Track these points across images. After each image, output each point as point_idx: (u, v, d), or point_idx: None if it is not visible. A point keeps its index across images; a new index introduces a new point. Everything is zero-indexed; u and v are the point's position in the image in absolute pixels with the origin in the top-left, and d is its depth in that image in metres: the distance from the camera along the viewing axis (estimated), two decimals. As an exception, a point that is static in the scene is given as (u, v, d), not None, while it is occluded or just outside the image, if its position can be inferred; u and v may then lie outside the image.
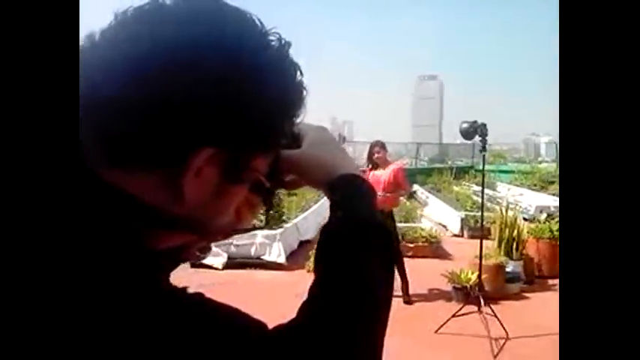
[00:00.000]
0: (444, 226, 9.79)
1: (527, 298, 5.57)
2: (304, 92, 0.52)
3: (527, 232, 6.66)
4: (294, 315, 0.49)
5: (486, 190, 14.09)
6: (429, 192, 14.09)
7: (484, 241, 6.81)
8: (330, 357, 0.47)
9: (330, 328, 0.48)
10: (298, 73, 0.51)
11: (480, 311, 4.29)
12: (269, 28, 0.49)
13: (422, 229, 7.68)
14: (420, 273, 6.06)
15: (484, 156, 4.22)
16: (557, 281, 6.00)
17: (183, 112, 0.44)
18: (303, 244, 7.57)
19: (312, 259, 5.83)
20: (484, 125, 4.17)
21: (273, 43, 0.49)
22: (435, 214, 11.16)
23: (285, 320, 0.49)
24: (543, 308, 5.22)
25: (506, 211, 6.21)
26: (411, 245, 7.42)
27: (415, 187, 15.62)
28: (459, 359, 4.01)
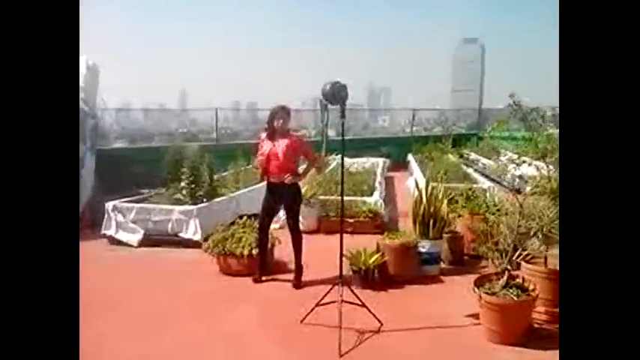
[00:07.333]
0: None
1: (441, 282, 4.99)
2: None
3: (463, 207, 6.02)
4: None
5: (484, 160, 13.29)
6: (420, 162, 13.33)
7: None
8: None
9: None
10: None
11: (341, 300, 3.75)
12: None
13: (363, 203, 7.09)
14: (345, 252, 5.55)
15: (343, 123, 3.61)
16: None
17: None
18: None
19: (213, 236, 5.42)
20: (343, 87, 3.56)
21: None
22: (414, 185, 10.51)
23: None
24: (447, 294, 4.65)
25: (427, 187, 5.56)
26: (351, 220, 6.89)
27: (409, 156, 14.88)
28: (302, 353, 3.54)
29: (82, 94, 6.98)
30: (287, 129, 4.91)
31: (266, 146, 4.88)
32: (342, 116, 3.61)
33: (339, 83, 3.62)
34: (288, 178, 4.79)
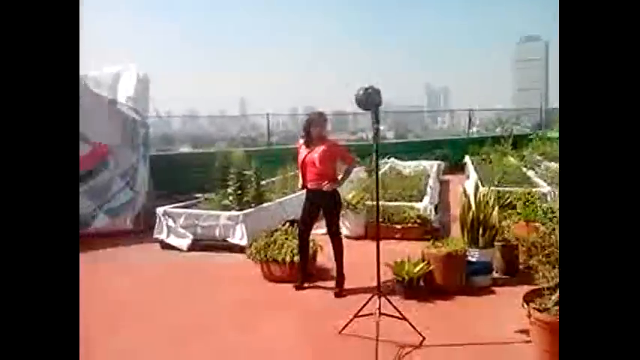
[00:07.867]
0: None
1: (492, 293, 4.69)
2: None
3: (518, 213, 5.67)
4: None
5: (546, 163, 12.52)
6: (477, 164, 12.78)
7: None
8: None
9: None
10: None
11: (379, 312, 3.58)
12: None
13: (411, 209, 6.85)
14: (390, 259, 5.37)
15: (377, 129, 3.46)
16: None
17: None
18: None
19: (255, 243, 5.41)
20: (377, 92, 3.41)
21: None
22: (468, 189, 10.10)
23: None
24: (497, 307, 4.36)
25: (476, 192, 5.26)
26: (399, 227, 6.69)
27: (466, 158, 14.32)
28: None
29: (133, 104, 7.25)
30: (324, 135, 4.84)
31: (303, 153, 4.83)
32: (376, 122, 3.46)
33: (372, 88, 3.48)
34: (326, 185, 4.70)
